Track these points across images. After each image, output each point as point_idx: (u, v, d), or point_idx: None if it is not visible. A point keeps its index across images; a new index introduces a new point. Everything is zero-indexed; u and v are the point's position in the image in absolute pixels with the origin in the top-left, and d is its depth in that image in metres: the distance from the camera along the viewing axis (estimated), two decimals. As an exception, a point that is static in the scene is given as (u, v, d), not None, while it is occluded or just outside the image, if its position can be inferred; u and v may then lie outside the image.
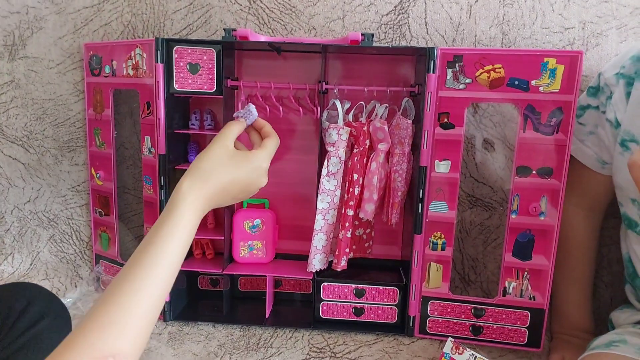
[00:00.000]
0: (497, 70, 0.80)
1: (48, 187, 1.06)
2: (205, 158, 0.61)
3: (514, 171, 0.82)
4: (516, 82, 0.79)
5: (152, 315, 0.48)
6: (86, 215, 1.06)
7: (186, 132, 0.94)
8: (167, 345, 0.85)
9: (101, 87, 0.95)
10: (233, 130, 0.66)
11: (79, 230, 1.07)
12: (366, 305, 0.91)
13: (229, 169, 0.61)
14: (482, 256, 1.00)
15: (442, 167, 0.83)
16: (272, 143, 0.67)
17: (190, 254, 1.01)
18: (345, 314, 0.92)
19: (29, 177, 1.06)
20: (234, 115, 0.70)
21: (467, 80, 0.80)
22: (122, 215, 1.04)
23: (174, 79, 0.84)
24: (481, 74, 0.80)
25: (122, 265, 0.98)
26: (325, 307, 0.92)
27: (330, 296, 0.91)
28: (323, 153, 0.89)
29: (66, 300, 0.95)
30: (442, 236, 0.86)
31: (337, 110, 0.86)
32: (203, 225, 1.00)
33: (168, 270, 0.51)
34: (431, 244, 0.86)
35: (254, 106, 0.70)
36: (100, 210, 1.01)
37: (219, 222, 1.01)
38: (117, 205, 0.99)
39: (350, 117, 0.89)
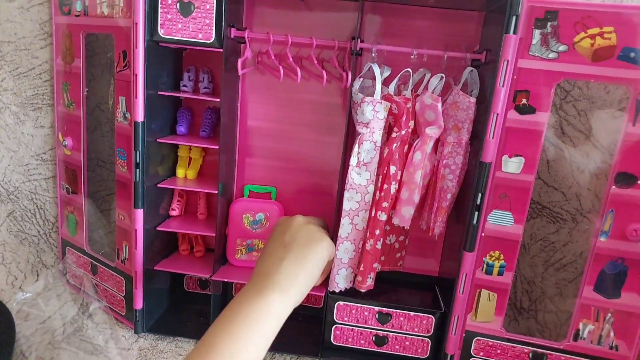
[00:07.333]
0: (606, 35, 0.57)
1: (7, 153, 0.86)
2: None
3: (611, 178, 0.60)
4: (632, 55, 0.56)
5: None
6: (52, 190, 0.87)
7: (175, 95, 0.72)
8: (134, 368, 0.67)
9: (71, 30, 0.74)
10: None
11: (43, 208, 0.87)
12: (391, 333, 0.71)
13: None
14: (541, 279, 0.79)
15: (512, 166, 0.61)
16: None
17: (175, 249, 0.82)
18: (363, 342, 0.72)
19: (-14, 139, 0.86)
20: None
21: (562, 48, 0.58)
22: (95, 194, 0.84)
23: (159, 22, 0.63)
24: (582, 39, 0.57)
25: (91, 257, 0.80)
26: (338, 332, 0.72)
27: (346, 319, 0.71)
28: (351, 135, 0.67)
29: (25, 295, 0.77)
30: (501, 257, 0.65)
31: (374, 78, 0.64)
32: (193, 215, 0.81)
33: None
34: (485, 265, 0.65)
35: None
36: (67, 186, 0.82)
37: (211, 212, 0.81)
38: (86, 181, 0.79)
39: (391, 89, 0.66)
